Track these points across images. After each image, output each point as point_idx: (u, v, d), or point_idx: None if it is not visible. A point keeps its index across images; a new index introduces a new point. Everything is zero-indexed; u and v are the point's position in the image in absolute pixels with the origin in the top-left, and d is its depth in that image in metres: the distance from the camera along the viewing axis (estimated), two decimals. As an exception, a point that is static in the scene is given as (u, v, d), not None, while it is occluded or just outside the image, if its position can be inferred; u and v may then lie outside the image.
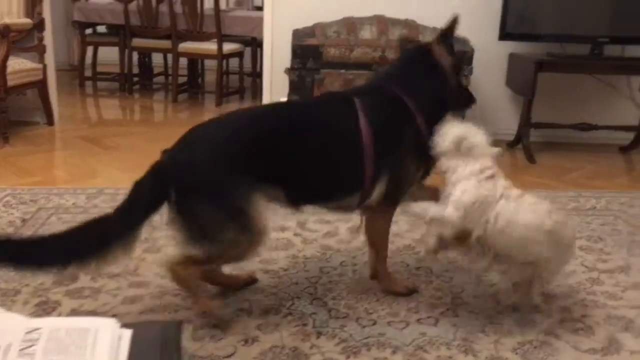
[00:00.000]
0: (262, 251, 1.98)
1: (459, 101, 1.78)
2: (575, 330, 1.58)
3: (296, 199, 1.58)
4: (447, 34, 1.70)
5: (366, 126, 1.56)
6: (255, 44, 5.01)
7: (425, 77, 1.68)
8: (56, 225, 2.14)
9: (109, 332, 0.69)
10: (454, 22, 1.70)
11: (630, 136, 3.66)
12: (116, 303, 1.64)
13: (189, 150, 1.49)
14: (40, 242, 1.49)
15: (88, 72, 5.46)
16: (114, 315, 1.48)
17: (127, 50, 5.07)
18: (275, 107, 1.87)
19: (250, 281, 1.76)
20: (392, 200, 1.64)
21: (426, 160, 1.65)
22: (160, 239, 2.06)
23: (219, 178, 1.43)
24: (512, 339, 1.52)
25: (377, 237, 1.71)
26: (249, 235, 1.46)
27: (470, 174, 1.52)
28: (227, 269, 1.75)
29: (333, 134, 1.59)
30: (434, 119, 1.61)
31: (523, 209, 1.50)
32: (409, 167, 1.64)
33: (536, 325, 1.59)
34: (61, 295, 1.67)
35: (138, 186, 1.48)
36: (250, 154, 1.47)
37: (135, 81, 5.39)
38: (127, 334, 0.72)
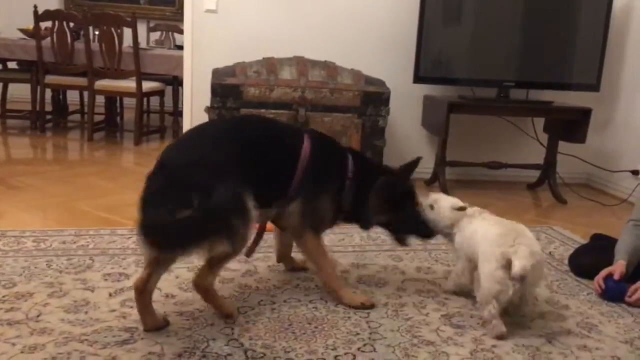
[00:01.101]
0: (177, 292, 1.93)
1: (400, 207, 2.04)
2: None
3: (260, 200, 1.72)
4: (409, 168, 2.07)
5: (306, 152, 1.87)
6: (177, 82, 4.97)
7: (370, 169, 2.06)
8: (-50, 270, 1.98)
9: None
10: (416, 162, 2.08)
11: (536, 174, 3.89)
12: (15, 352, 1.52)
13: (201, 166, 1.65)
14: None
15: (-3, 110, 5.20)
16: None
17: (39, 87, 4.87)
18: (248, 121, 2.15)
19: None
20: (307, 222, 1.90)
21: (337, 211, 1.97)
22: (67, 283, 1.95)
23: (231, 186, 1.63)
24: (427, 372, 1.54)
25: (311, 260, 1.98)
26: (248, 230, 1.69)
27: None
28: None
29: (282, 147, 1.88)
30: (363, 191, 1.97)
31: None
32: (323, 201, 1.92)
33: (449, 357, 1.62)
34: (-48, 346, 1.53)
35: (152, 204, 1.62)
36: (239, 162, 1.69)
37: (48, 119, 5.17)
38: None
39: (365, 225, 2.05)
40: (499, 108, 3.66)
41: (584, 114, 3.51)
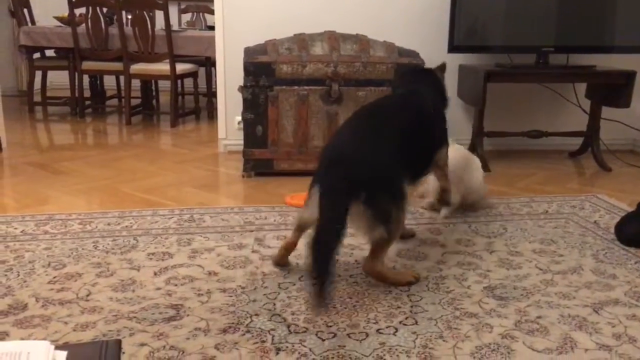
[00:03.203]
0: (219, 269, 1.97)
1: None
2: (531, 331, 1.60)
3: (413, 178, 2.02)
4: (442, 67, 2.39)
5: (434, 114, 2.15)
6: (209, 63, 5.00)
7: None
8: (4, 253, 2.06)
9: (42, 355, 0.66)
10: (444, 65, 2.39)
11: (578, 141, 3.78)
12: (68, 330, 1.58)
13: (366, 160, 1.78)
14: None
15: (38, 97, 5.33)
16: (65, 343, 1.44)
17: (77, 74, 4.97)
18: (392, 106, 2.19)
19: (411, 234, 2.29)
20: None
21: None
22: (114, 263, 2.01)
23: (392, 176, 1.82)
24: (470, 344, 1.53)
25: (447, 177, 2.32)
26: (404, 214, 1.89)
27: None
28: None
29: (424, 123, 2.10)
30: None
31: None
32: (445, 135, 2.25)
33: (493, 329, 1.61)
34: (9, 325, 1.60)
35: (329, 199, 1.69)
36: (398, 151, 1.86)
37: (87, 105, 5.29)
38: (62, 356, 0.68)
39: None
40: (538, 75, 3.56)
41: (628, 77, 3.38)
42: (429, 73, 2.37)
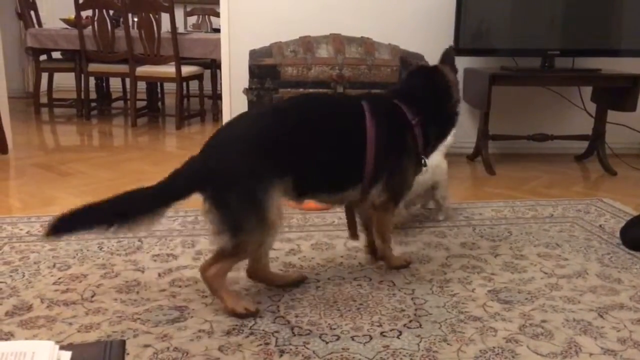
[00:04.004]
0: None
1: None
2: (536, 335, 1.59)
3: (303, 190, 1.73)
4: (449, 53, 2.04)
5: (371, 126, 1.75)
6: (215, 66, 5.01)
7: (432, 93, 1.93)
8: (9, 254, 2.07)
9: (46, 355, 0.66)
10: (451, 48, 2.07)
11: (584, 145, 3.77)
12: (72, 331, 1.59)
13: (220, 152, 1.64)
14: (93, 206, 1.60)
15: (44, 99, 5.36)
16: (70, 344, 1.43)
17: (83, 76, 5.00)
18: (296, 102, 1.89)
19: (300, 279, 1.89)
20: (392, 198, 1.85)
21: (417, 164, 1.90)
22: (118, 264, 2.01)
23: (245, 176, 1.59)
24: (475, 347, 1.53)
25: (383, 230, 1.94)
26: (262, 225, 1.60)
27: None
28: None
29: (343, 130, 1.76)
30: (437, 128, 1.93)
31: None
32: (407, 169, 1.86)
33: (497, 333, 1.60)
34: (14, 325, 1.60)
35: (176, 175, 1.62)
36: (271, 149, 1.62)
37: (92, 106, 5.31)
38: (66, 356, 0.69)
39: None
40: (544, 78, 3.55)
41: (634, 81, 3.37)
42: (429, 76, 1.97)
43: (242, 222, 1.59)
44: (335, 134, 1.74)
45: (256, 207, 1.58)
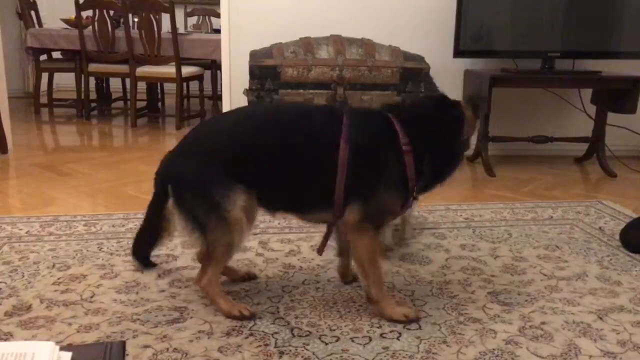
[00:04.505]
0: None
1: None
2: (535, 337, 1.59)
3: (269, 205, 1.70)
4: (476, 98, 1.90)
5: (345, 146, 1.58)
6: (215, 66, 5.01)
7: (441, 121, 1.70)
8: (9, 254, 2.07)
9: (47, 356, 0.66)
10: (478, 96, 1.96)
11: (584, 147, 3.77)
12: (71, 332, 1.58)
13: (182, 157, 1.70)
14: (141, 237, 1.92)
15: (44, 99, 5.36)
16: (69, 345, 1.43)
17: (83, 76, 5.00)
18: (272, 112, 1.81)
19: (247, 277, 1.92)
20: (369, 222, 1.63)
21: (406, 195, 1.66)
22: (118, 265, 2.01)
23: (203, 180, 1.62)
24: (474, 349, 1.53)
25: (362, 259, 1.65)
26: (225, 224, 1.60)
27: None
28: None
29: (310, 149, 1.63)
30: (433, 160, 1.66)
31: None
32: (383, 195, 1.62)
33: (497, 335, 1.60)
34: (14, 325, 1.60)
35: (155, 179, 1.75)
36: (230, 164, 1.61)
37: (92, 107, 5.31)
38: (67, 356, 0.69)
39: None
40: (544, 80, 3.55)
41: (634, 83, 3.37)
42: (446, 104, 1.75)
43: (204, 221, 1.62)
44: (301, 152, 1.61)
45: (214, 207, 1.59)
